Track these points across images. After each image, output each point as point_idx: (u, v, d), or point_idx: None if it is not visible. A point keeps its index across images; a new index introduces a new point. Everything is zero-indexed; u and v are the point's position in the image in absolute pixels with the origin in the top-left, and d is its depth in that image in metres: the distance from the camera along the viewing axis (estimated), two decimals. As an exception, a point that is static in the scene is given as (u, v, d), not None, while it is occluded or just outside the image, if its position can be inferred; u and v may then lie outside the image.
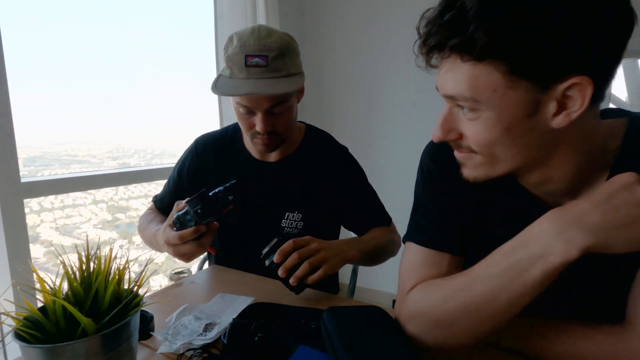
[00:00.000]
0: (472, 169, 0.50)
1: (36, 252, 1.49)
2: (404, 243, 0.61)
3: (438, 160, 0.60)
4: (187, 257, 0.75)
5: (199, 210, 0.68)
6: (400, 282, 0.59)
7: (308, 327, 0.58)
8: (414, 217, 0.62)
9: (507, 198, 0.55)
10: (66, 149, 1.58)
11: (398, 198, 2.13)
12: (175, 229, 0.71)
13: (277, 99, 0.78)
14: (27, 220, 1.57)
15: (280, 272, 0.69)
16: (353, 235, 0.99)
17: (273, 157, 0.92)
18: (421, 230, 0.59)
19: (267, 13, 1.67)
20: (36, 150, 1.47)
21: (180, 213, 0.71)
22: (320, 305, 0.72)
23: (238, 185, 0.71)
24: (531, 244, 0.43)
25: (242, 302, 0.71)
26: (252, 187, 0.92)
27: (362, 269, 1.11)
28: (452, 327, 0.49)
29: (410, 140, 2.08)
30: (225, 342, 0.55)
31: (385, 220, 0.98)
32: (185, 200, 0.70)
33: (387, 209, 1.01)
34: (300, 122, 0.98)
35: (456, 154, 0.51)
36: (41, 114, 1.34)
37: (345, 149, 0.98)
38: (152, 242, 0.85)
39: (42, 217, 1.61)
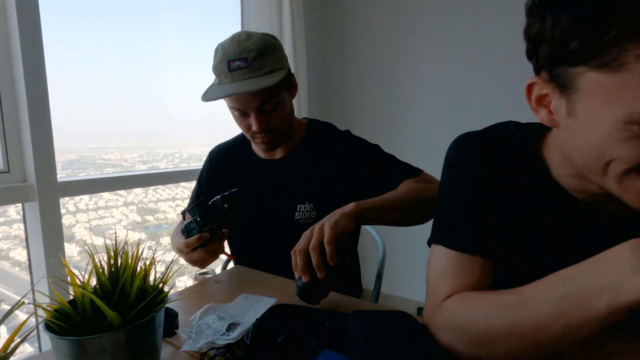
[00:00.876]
0: None
1: (71, 250, 1.55)
2: (430, 246, 0.58)
3: (465, 155, 0.56)
4: (199, 264, 0.77)
5: (197, 219, 0.69)
6: (430, 289, 0.55)
7: (332, 331, 0.56)
8: (440, 218, 0.58)
9: (539, 193, 0.50)
10: (100, 153, 1.65)
11: None
12: (184, 237, 0.72)
13: (264, 96, 0.80)
14: (64, 221, 1.64)
15: (303, 277, 0.64)
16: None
17: (278, 154, 0.94)
18: (449, 232, 0.55)
19: (292, 19, 1.69)
20: (73, 154, 1.54)
21: (187, 222, 0.72)
22: (344, 309, 0.70)
23: (237, 194, 0.71)
24: (600, 273, 0.36)
25: (265, 303, 0.70)
26: (262, 186, 0.94)
27: (386, 275, 1.07)
28: (494, 345, 0.45)
29: (436, 141, 2.02)
30: (248, 342, 0.54)
31: (409, 172, 0.87)
32: (186, 209, 0.71)
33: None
34: (304, 118, 1.01)
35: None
36: (78, 119, 1.40)
37: (347, 131, 0.96)
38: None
39: (78, 217, 1.68)
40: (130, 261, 0.49)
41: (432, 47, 1.96)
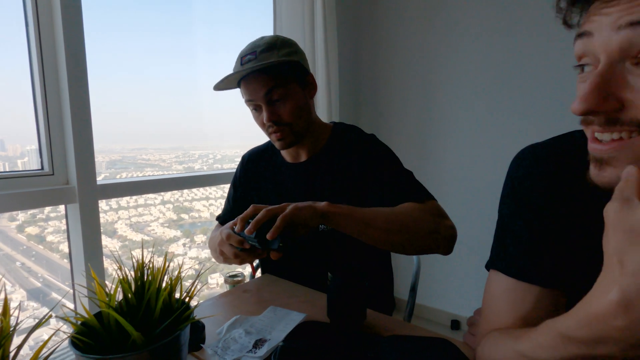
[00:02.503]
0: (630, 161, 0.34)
1: (113, 245, 1.62)
2: (488, 270, 0.51)
3: (531, 171, 0.48)
4: (224, 258, 0.75)
5: (254, 237, 0.64)
6: (482, 317, 0.49)
7: (365, 357, 0.51)
8: (499, 240, 0.51)
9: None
10: (141, 154, 1.70)
11: (462, 214, 1.97)
12: (236, 229, 0.68)
13: (270, 84, 0.80)
14: (107, 217, 1.70)
15: (250, 227, 0.63)
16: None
17: (303, 156, 0.93)
18: (507, 256, 0.48)
19: (324, 24, 1.65)
20: (117, 155, 1.60)
21: (244, 234, 0.68)
22: (376, 328, 0.64)
23: (295, 241, 0.67)
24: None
25: (293, 318, 0.66)
26: (287, 189, 0.94)
27: (419, 284, 1.00)
28: None
29: (480, 151, 1.89)
30: (274, 365, 0.50)
31: (416, 194, 0.80)
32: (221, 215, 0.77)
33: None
34: (331, 122, 0.99)
35: (595, 146, 0.36)
36: (121, 122, 1.45)
37: (372, 135, 0.92)
38: (215, 251, 0.84)
39: (119, 214, 1.75)
40: (156, 276, 0.47)
41: (480, 46, 1.83)
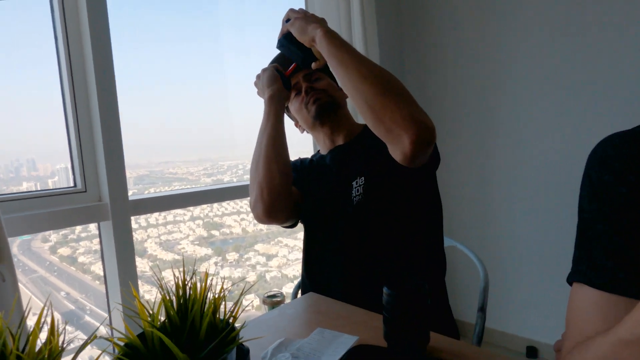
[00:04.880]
0: None
1: (143, 265, 1.69)
2: (570, 284, 0.48)
3: (612, 163, 0.44)
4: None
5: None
6: (567, 334, 0.46)
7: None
8: (581, 247, 0.47)
9: None
10: (168, 168, 1.78)
11: (535, 224, 1.86)
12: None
13: (309, 71, 0.99)
14: (137, 236, 1.79)
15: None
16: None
17: (341, 140, 1.01)
18: (591, 266, 0.45)
19: (363, 25, 1.65)
20: (144, 170, 1.69)
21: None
22: (441, 354, 0.61)
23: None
24: None
25: (344, 342, 0.65)
26: (328, 170, 1.01)
27: (489, 310, 0.95)
28: None
29: (556, 146, 1.80)
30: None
31: None
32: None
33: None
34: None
35: None
36: (147, 134, 1.52)
37: None
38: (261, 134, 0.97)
39: (149, 232, 1.83)
40: (199, 293, 0.48)
41: (535, 41, 1.76)
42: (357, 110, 0.78)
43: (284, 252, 2.02)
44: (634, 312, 0.34)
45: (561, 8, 1.68)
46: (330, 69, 0.82)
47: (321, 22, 0.86)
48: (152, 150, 1.64)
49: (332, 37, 0.81)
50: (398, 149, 0.74)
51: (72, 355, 0.40)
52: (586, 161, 0.48)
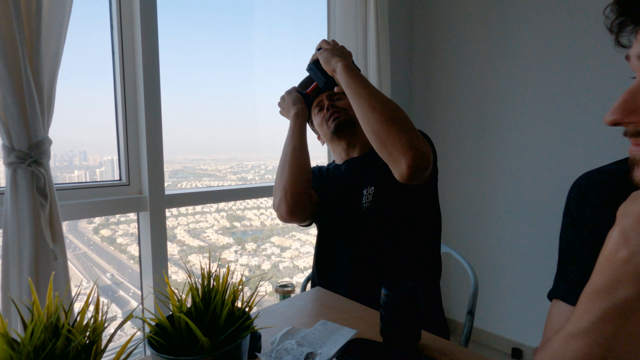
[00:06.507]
0: None
1: (172, 249, 1.77)
2: (551, 300, 0.50)
3: (587, 196, 0.47)
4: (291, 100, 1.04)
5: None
6: (543, 341, 0.48)
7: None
8: (561, 269, 0.50)
9: None
10: (199, 164, 1.85)
11: (525, 237, 1.85)
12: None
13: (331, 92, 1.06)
14: (168, 223, 1.87)
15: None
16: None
17: (356, 153, 1.06)
18: (568, 284, 0.47)
19: (377, 33, 1.67)
20: (179, 165, 1.76)
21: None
22: (431, 352, 0.64)
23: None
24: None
25: (344, 334, 0.68)
26: (343, 178, 1.05)
27: (480, 309, 0.96)
28: None
29: (544, 164, 1.78)
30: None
31: None
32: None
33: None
34: None
35: (633, 149, 0.39)
36: (184, 133, 1.59)
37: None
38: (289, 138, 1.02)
39: (179, 220, 1.90)
40: (221, 284, 0.52)
41: (538, 59, 1.73)
42: (365, 134, 0.82)
43: (296, 245, 2.07)
44: (577, 308, 0.37)
45: (553, 23, 1.64)
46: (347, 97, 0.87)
47: (346, 56, 0.92)
48: (187, 148, 1.71)
49: (350, 70, 0.86)
50: (397, 171, 0.78)
51: (112, 329, 0.45)
52: (567, 195, 0.50)
